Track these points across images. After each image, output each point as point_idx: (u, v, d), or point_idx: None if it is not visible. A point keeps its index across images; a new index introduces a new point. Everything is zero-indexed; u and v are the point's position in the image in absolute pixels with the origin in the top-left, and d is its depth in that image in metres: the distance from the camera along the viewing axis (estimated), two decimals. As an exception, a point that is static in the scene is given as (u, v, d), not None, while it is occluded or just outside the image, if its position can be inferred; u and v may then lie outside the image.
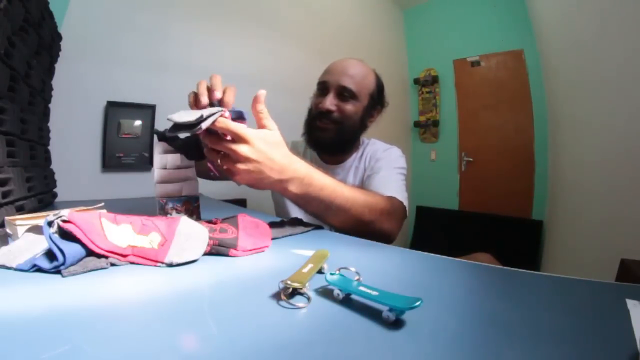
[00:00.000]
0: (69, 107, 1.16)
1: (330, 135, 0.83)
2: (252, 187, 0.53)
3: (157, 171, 0.61)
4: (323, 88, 0.85)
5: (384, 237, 0.64)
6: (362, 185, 0.84)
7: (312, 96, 0.91)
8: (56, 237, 0.33)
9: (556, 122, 2.08)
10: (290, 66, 1.98)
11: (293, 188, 0.54)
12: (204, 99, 0.49)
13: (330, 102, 0.82)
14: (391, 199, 0.70)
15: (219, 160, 0.50)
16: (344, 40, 2.34)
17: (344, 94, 0.82)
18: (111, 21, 1.30)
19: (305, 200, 0.57)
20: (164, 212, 0.59)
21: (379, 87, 0.89)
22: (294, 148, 0.96)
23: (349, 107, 0.83)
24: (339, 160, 0.92)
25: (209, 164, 0.57)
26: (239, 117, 0.50)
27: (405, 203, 0.74)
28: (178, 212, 0.59)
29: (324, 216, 0.61)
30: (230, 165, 0.49)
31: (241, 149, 0.48)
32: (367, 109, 0.86)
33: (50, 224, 0.34)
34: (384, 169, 0.82)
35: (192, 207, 0.62)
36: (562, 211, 1.94)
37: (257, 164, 0.49)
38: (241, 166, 0.49)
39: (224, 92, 0.51)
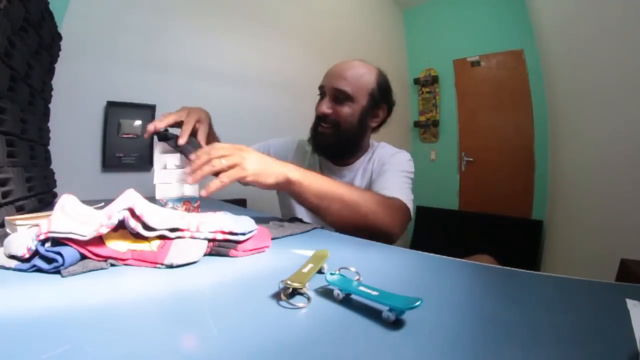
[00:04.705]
0: (69, 107, 1.16)
1: (329, 139, 0.84)
2: (259, 177, 0.57)
3: (157, 171, 0.61)
4: (321, 92, 0.86)
5: (382, 233, 0.63)
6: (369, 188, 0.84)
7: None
8: (51, 248, 0.33)
9: (556, 122, 2.08)
10: (290, 66, 1.98)
11: (294, 174, 0.60)
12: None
13: (325, 106, 0.83)
14: (392, 197, 0.70)
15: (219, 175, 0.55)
16: (344, 40, 2.34)
17: (339, 96, 0.82)
18: (111, 21, 1.30)
19: (305, 189, 0.61)
20: (164, 212, 0.59)
21: (381, 85, 0.87)
22: (300, 147, 0.97)
23: (345, 109, 0.82)
24: (346, 163, 0.91)
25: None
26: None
27: (410, 205, 0.73)
28: (178, 212, 0.59)
29: (322, 208, 0.63)
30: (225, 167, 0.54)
31: (217, 150, 0.56)
32: (366, 109, 0.85)
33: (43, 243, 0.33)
34: (389, 171, 0.82)
35: (192, 207, 0.62)
36: (562, 211, 1.93)
37: (239, 151, 0.57)
38: (233, 159, 0.55)
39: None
